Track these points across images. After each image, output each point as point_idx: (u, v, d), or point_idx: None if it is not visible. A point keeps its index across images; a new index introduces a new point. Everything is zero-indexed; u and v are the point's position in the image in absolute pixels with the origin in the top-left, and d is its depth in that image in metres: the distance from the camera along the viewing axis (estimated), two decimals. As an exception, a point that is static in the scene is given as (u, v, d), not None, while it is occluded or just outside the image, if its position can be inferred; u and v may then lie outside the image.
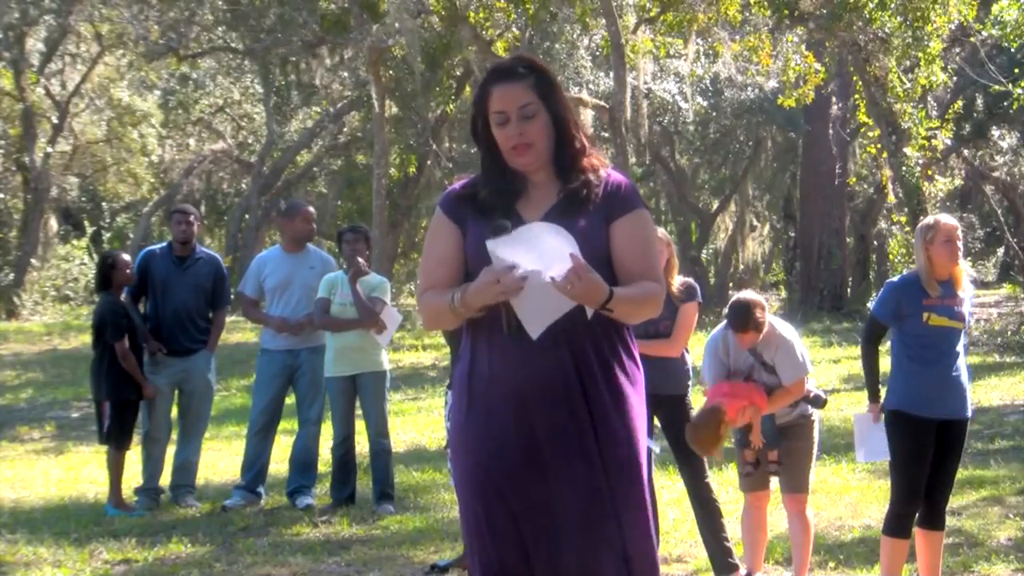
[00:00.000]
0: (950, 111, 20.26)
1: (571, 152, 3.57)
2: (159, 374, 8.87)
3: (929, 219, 5.79)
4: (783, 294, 32.87)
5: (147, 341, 8.83)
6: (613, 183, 3.58)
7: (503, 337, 3.45)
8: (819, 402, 6.12)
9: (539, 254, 3.36)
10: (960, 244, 5.64)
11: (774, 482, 6.24)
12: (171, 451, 9.06)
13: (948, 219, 5.73)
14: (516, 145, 3.51)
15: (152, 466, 8.89)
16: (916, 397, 5.59)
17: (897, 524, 5.70)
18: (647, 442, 3.64)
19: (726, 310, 6.12)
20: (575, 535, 3.42)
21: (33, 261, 29.30)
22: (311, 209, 9.34)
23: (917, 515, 5.73)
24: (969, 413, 5.72)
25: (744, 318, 5.88)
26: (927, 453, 5.58)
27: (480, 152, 3.62)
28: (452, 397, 3.70)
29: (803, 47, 19.41)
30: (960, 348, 5.68)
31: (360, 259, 8.41)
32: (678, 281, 6.36)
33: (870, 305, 24.55)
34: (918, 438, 5.56)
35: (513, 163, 3.55)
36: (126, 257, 8.97)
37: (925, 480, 5.62)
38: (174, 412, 9.13)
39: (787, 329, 6.07)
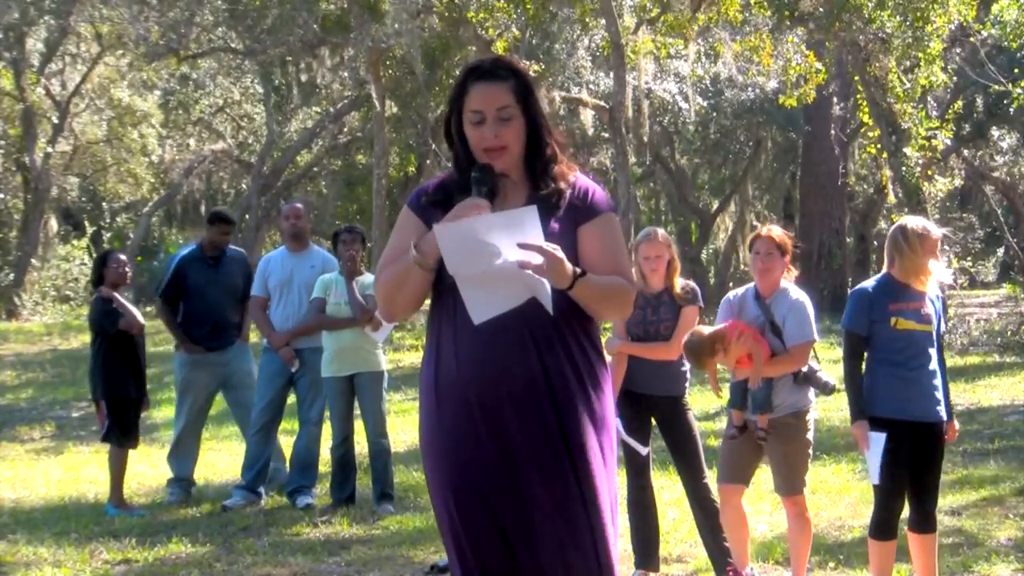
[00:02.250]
0: (950, 111, 20.27)
1: (543, 158, 3.58)
2: (201, 372, 9.12)
3: (917, 225, 5.72)
4: (783, 294, 32.78)
5: (184, 344, 9.14)
6: (581, 188, 3.60)
7: (468, 336, 3.44)
8: (828, 388, 6.02)
9: (491, 245, 3.35)
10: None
11: (765, 482, 6.22)
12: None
13: (934, 230, 5.66)
14: (489, 147, 3.52)
15: (186, 456, 9.19)
16: (888, 400, 5.56)
17: (881, 526, 5.68)
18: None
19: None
20: (552, 535, 3.43)
21: (33, 261, 29.31)
22: (298, 206, 9.41)
23: (908, 519, 5.71)
24: (945, 416, 5.67)
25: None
26: (903, 455, 5.55)
27: (454, 150, 3.61)
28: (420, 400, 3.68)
29: (803, 47, 19.41)
30: (932, 351, 5.65)
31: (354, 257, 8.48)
32: (681, 283, 6.36)
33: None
34: (893, 440, 5.53)
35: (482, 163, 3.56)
36: (122, 256, 9.14)
37: (905, 482, 5.60)
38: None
39: (803, 295, 6.06)
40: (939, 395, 5.64)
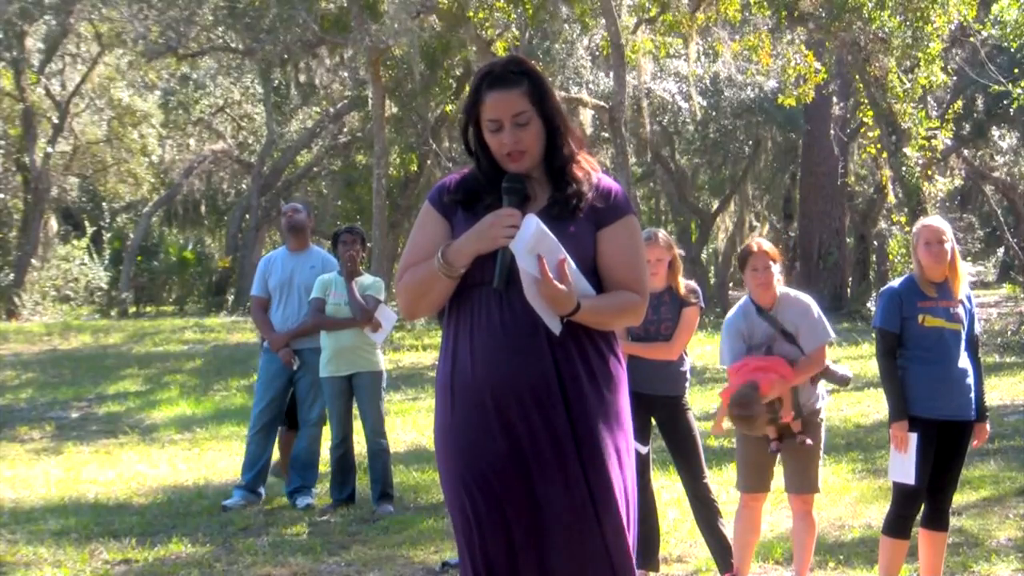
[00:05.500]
0: (950, 111, 20.26)
1: (561, 157, 3.57)
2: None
3: (919, 222, 5.81)
4: (783, 294, 32.82)
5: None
6: (603, 189, 3.59)
7: (484, 335, 3.46)
8: (844, 381, 6.08)
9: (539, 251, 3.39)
10: (947, 246, 5.61)
11: (772, 483, 6.22)
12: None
13: (934, 221, 5.73)
14: (510, 152, 3.52)
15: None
16: (917, 398, 5.58)
17: (898, 524, 5.69)
18: (634, 444, 3.63)
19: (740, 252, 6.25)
20: (561, 537, 3.43)
21: (33, 261, 29.32)
22: (296, 205, 9.39)
23: (920, 515, 5.72)
24: (974, 415, 5.68)
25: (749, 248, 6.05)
26: (929, 454, 5.57)
27: (474, 156, 3.61)
28: (436, 398, 3.69)
29: (803, 47, 19.41)
30: (962, 350, 5.66)
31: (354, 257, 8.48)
32: (684, 283, 6.37)
33: (870, 305, 24.61)
34: (921, 439, 5.55)
35: (506, 167, 3.56)
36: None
37: (927, 481, 5.61)
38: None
39: (806, 296, 6.09)
40: (970, 394, 5.64)
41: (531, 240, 3.37)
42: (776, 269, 5.99)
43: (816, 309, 6.01)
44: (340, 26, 22.63)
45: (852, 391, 14.52)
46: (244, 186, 33.84)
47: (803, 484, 5.98)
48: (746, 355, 5.95)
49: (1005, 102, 23.63)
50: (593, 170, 3.62)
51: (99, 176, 33.33)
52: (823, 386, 6.15)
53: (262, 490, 8.90)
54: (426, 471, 9.91)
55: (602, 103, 20.90)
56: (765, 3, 17.82)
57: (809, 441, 5.92)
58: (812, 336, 5.91)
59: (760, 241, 6.15)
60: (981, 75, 20.57)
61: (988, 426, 5.81)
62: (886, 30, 17.03)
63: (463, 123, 3.61)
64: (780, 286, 6.05)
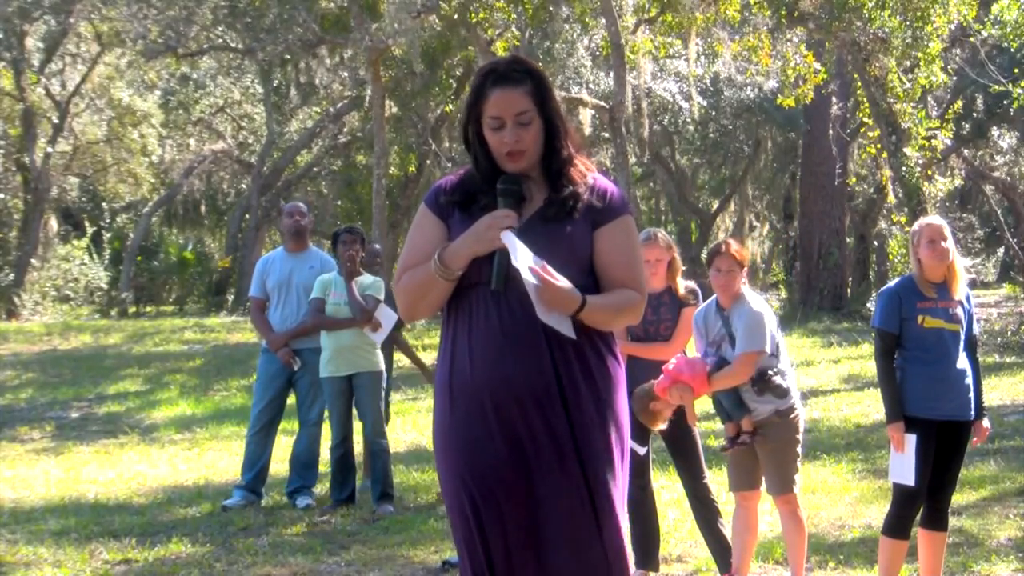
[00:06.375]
0: (950, 111, 20.26)
1: (560, 159, 3.58)
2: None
3: (918, 221, 5.81)
4: (783, 294, 32.88)
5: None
6: (599, 189, 3.60)
7: (482, 336, 3.46)
8: (779, 391, 5.83)
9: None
10: (947, 245, 5.61)
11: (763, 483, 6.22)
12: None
13: (934, 220, 5.73)
14: (510, 151, 3.52)
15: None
16: (916, 398, 5.58)
17: (897, 525, 5.70)
18: (630, 443, 3.64)
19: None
20: (560, 537, 3.43)
21: (33, 261, 29.31)
22: (299, 205, 9.38)
23: (920, 516, 5.73)
24: (972, 415, 5.68)
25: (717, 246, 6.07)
26: (929, 454, 5.58)
27: (473, 154, 3.61)
28: (434, 398, 3.69)
29: (803, 47, 19.41)
30: (961, 350, 5.66)
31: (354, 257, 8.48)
32: (683, 284, 6.37)
33: (870, 306, 24.63)
34: (920, 439, 5.55)
35: (504, 166, 3.56)
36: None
37: (927, 481, 5.62)
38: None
39: (758, 303, 5.99)
40: (969, 394, 5.64)
41: (518, 254, 3.38)
42: (740, 272, 5.98)
43: (760, 317, 5.87)
44: (340, 26, 22.63)
45: (852, 391, 14.52)
46: (244, 186, 33.83)
47: (777, 486, 5.96)
48: (704, 352, 6.01)
49: (1005, 102, 23.63)
50: (589, 171, 3.62)
51: (99, 176, 33.32)
52: (795, 385, 6.07)
53: (262, 490, 8.91)
54: (426, 471, 9.90)
55: (602, 103, 20.90)
56: (765, 3, 17.82)
57: (748, 437, 5.89)
58: (743, 341, 5.83)
59: (730, 242, 6.12)
60: (981, 75, 20.56)
61: (987, 422, 5.81)
62: (886, 30, 17.02)
63: (463, 120, 3.61)
64: (745, 288, 6.03)
